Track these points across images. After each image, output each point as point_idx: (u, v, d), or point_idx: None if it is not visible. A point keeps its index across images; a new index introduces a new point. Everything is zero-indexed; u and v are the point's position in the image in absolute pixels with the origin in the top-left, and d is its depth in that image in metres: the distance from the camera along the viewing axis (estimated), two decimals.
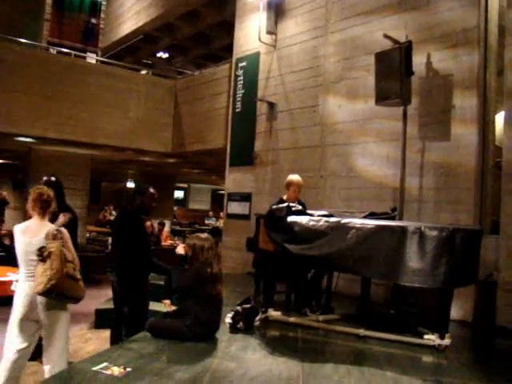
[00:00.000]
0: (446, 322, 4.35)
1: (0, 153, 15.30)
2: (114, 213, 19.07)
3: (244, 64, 9.26)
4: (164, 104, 12.04)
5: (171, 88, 12.21)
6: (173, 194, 22.87)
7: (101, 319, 6.59)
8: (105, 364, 3.32)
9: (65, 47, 12.93)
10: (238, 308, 4.60)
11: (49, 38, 13.44)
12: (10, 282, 5.27)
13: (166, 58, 18.50)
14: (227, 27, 11.91)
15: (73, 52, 12.31)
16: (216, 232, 12.28)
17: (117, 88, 11.41)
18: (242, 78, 9.29)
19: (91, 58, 13.47)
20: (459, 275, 4.10)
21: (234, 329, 4.47)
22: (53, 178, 5.45)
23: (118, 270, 4.62)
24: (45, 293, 3.76)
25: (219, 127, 10.40)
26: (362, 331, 4.54)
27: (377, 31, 6.43)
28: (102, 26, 14.63)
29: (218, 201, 25.93)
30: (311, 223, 4.59)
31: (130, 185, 24.09)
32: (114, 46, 16.71)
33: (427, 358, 4.11)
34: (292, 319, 4.94)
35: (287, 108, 8.19)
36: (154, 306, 5.12)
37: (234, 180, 9.27)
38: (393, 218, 5.40)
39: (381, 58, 5.89)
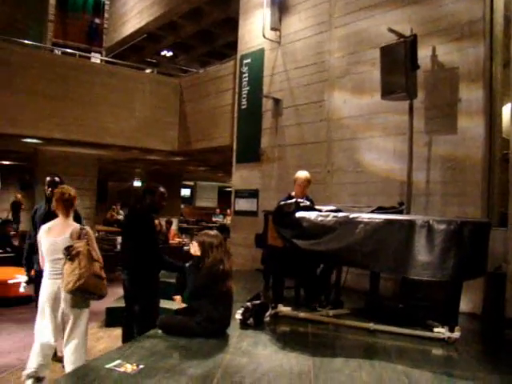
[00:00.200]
0: (455, 314, 4.35)
1: (7, 154, 15.40)
2: (121, 212, 19.18)
3: (249, 61, 9.27)
4: (169, 102, 12.07)
5: (176, 86, 12.24)
6: (179, 192, 22.93)
7: (112, 318, 6.64)
8: (118, 361, 3.35)
9: (69, 48, 12.98)
10: (248, 304, 4.62)
11: (53, 39, 13.49)
12: (19, 284, 5.33)
13: (170, 56, 18.51)
14: (231, 24, 11.92)
15: (77, 52, 12.35)
16: (223, 229, 12.31)
17: (122, 87, 11.45)
18: (246, 74, 9.30)
19: (95, 58, 13.51)
20: (468, 268, 4.10)
21: (244, 325, 4.49)
22: (56, 179, 5.52)
23: (129, 269, 4.65)
24: (74, 291, 3.98)
25: (225, 124, 10.42)
26: (371, 325, 4.56)
27: (381, 25, 6.42)
28: (105, 25, 14.69)
29: (224, 198, 26.01)
30: (319, 218, 4.60)
31: (137, 184, 24.18)
32: (118, 46, 16.73)
33: (437, 351, 4.12)
34: (302, 314, 4.96)
35: (293, 104, 8.19)
36: (164, 303, 5.16)
37: (241, 177, 9.29)
38: (400, 212, 5.40)
39: (386, 52, 5.88)
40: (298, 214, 4.72)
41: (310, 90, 7.86)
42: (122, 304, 5.10)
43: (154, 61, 18.70)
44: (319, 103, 7.67)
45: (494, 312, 5.18)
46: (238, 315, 4.55)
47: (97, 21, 14.18)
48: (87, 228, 4.32)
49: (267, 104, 8.71)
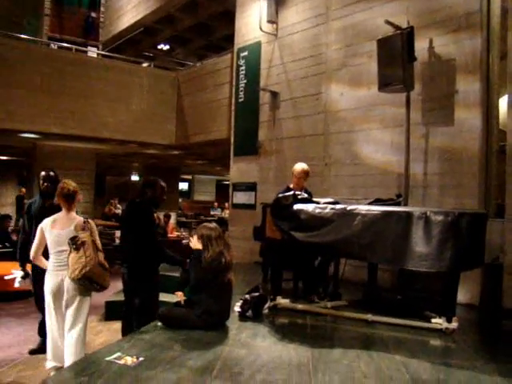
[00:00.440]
0: (452, 305, 4.38)
1: (5, 149, 15.39)
2: (119, 206, 19.15)
3: (246, 54, 9.25)
4: (167, 96, 12.06)
5: (173, 80, 12.23)
6: (177, 186, 22.94)
7: (111, 311, 6.67)
8: (118, 354, 3.37)
9: (66, 42, 12.94)
10: (247, 296, 4.65)
11: (49, 34, 13.43)
12: (14, 279, 5.36)
13: (167, 49, 18.45)
14: (228, 17, 11.88)
15: (74, 47, 12.32)
16: (222, 222, 12.32)
17: (119, 81, 11.44)
18: (243, 67, 9.28)
19: (92, 52, 13.47)
20: (465, 259, 4.12)
21: (243, 317, 4.52)
22: (51, 173, 5.53)
23: (129, 262, 4.66)
24: (80, 279, 4.08)
25: (222, 118, 10.42)
26: (370, 316, 4.59)
27: (378, 17, 6.42)
28: (101, 19, 14.62)
29: (222, 192, 25.99)
30: (317, 211, 4.62)
31: (135, 178, 24.17)
32: (114, 40, 16.65)
33: (435, 342, 4.15)
34: (300, 306, 4.99)
35: (290, 97, 8.19)
36: (164, 296, 5.18)
37: (239, 170, 9.30)
38: (398, 204, 5.42)
39: (383, 44, 5.88)
40: (296, 207, 4.74)
41: (307, 82, 7.86)
42: (121, 298, 5.12)
43: (151, 54, 18.65)
44: (316, 96, 7.67)
45: (491, 303, 5.20)
46: (237, 307, 4.58)
47: (93, 15, 14.12)
48: (90, 220, 4.43)
49: (264, 97, 8.71)
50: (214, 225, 4.45)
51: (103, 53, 14.26)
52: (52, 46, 12.64)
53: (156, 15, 14.62)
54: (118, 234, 10.83)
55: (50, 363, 4.41)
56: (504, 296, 5.13)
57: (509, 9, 5.54)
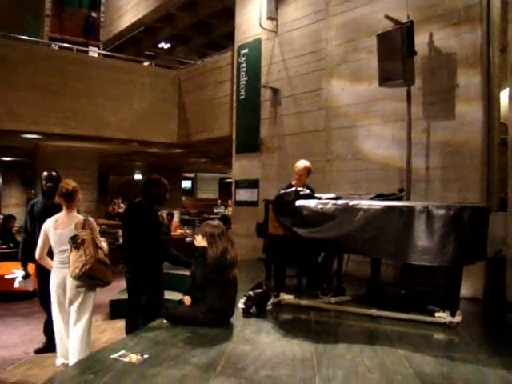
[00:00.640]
0: (456, 299, 4.38)
1: (8, 150, 15.43)
2: (122, 205, 19.20)
3: (246, 51, 9.26)
4: (168, 95, 12.06)
5: (174, 78, 12.23)
6: (180, 185, 22.96)
7: (115, 310, 6.68)
8: (122, 352, 3.39)
9: (67, 42, 12.96)
10: (251, 293, 4.67)
11: (50, 34, 13.45)
12: (14, 279, 5.40)
13: (168, 48, 18.45)
14: (228, 15, 11.86)
15: (75, 47, 12.33)
16: (225, 220, 12.33)
17: (120, 81, 11.45)
18: (244, 65, 9.29)
19: (93, 52, 13.48)
20: (468, 252, 4.12)
21: (246, 313, 4.54)
22: (53, 173, 5.56)
23: (132, 262, 4.67)
24: (81, 276, 4.15)
25: (224, 115, 10.42)
26: (373, 311, 4.60)
27: (378, 12, 6.41)
28: (102, 19, 14.63)
29: (225, 189, 26.04)
30: (319, 206, 4.63)
31: (138, 177, 24.19)
32: (115, 39, 16.67)
33: (439, 335, 4.15)
34: (304, 302, 5.00)
35: (291, 93, 8.19)
36: (168, 294, 5.19)
37: (241, 167, 9.31)
38: (400, 199, 5.42)
39: (383, 39, 5.88)
40: (298, 203, 4.75)
41: (307, 78, 7.86)
42: (125, 296, 5.12)
43: (152, 53, 18.65)
44: (317, 92, 7.67)
45: (494, 296, 5.21)
46: (241, 304, 4.60)
47: (93, 14, 14.13)
48: (90, 218, 4.46)
49: (265, 94, 8.71)
50: (217, 222, 4.47)
51: (104, 52, 14.28)
52: (53, 46, 12.66)
53: (156, 14, 14.62)
54: (121, 233, 10.85)
55: (59, 360, 4.47)
56: (507, 289, 5.14)
57: (509, 1, 5.53)
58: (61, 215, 4.50)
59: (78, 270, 4.11)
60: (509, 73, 5.48)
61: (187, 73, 12.37)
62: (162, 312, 4.27)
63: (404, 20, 5.80)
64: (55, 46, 12.51)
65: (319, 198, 4.83)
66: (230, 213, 16.43)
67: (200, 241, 4.32)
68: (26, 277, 5.41)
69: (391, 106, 6.47)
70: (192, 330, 3.99)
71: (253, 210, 8.58)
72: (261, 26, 8.63)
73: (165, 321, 4.21)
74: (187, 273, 4.59)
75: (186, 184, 30.03)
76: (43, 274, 4.97)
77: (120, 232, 11.30)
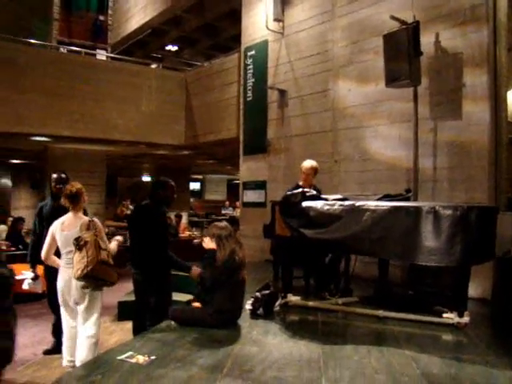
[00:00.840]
0: (464, 299, 4.36)
1: (17, 153, 15.53)
2: (131, 207, 19.25)
3: (253, 53, 9.27)
4: (175, 97, 12.11)
5: (182, 80, 12.28)
6: (188, 186, 23.01)
7: (123, 311, 6.71)
8: (130, 353, 3.41)
9: (75, 46, 13.03)
10: (258, 294, 4.67)
11: (59, 38, 13.53)
12: (23, 281, 5.46)
13: (175, 50, 18.52)
14: (235, 17, 11.89)
15: (83, 50, 12.40)
16: (233, 221, 12.34)
17: (128, 83, 11.50)
18: (251, 66, 9.30)
19: (101, 55, 13.55)
20: (475, 253, 4.10)
21: (254, 315, 4.55)
22: (63, 175, 5.62)
23: (139, 263, 4.69)
24: (83, 277, 4.22)
25: (231, 117, 10.45)
26: (381, 312, 4.59)
27: (384, 13, 6.40)
28: (109, 22, 14.69)
29: (233, 191, 26.06)
30: (326, 207, 4.63)
31: (146, 179, 24.26)
32: (123, 42, 16.76)
33: (446, 336, 4.14)
34: (311, 303, 5.00)
35: (298, 94, 8.20)
36: (176, 296, 5.21)
37: (248, 169, 9.32)
38: (407, 199, 5.40)
39: (388, 39, 5.88)
40: (305, 204, 4.75)
41: (314, 79, 7.86)
42: (133, 298, 5.14)
43: (160, 56, 18.72)
44: (324, 93, 7.67)
45: (503, 296, 5.17)
46: (248, 305, 4.59)
47: (101, 18, 14.19)
48: (95, 220, 4.54)
49: (272, 95, 8.72)
50: (224, 224, 4.48)
51: (112, 55, 14.35)
52: (61, 49, 12.75)
53: (163, 17, 14.68)
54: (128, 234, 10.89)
55: (65, 360, 4.55)
56: None
57: None
58: (67, 217, 4.58)
59: (80, 272, 4.18)
60: None
61: (194, 75, 12.41)
62: (170, 313, 4.29)
63: (410, 20, 5.79)
64: (63, 50, 12.59)
65: (326, 199, 4.83)
66: (238, 214, 16.46)
67: (208, 243, 4.33)
68: (35, 278, 5.49)
69: (398, 106, 6.46)
70: (199, 331, 4.01)
71: (260, 211, 8.59)
72: (267, 27, 8.65)
73: (172, 322, 4.23)
74: None
75: (195, 186, 30.09)
76: (51, 276, 5.02)
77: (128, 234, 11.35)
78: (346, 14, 7.30)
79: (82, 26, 13.86)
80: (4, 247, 9.93)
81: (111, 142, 12.04)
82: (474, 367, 3.34)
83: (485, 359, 3.50)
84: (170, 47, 18.16)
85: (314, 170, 6.01)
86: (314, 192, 5.14)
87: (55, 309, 5.21)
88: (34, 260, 5.47)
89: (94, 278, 4.28)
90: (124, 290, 7.02)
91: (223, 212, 23.36)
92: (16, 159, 18.45)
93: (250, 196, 9.23)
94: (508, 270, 5.14)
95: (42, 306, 7.22)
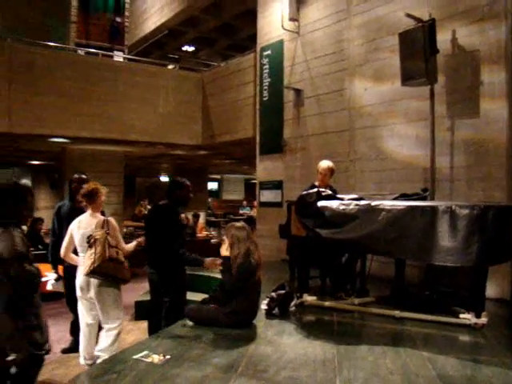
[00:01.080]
0: (481, 300, 4.31)
1: (36, 154, 15.73)
2: (148, 207, 19.39)
3: (269, 52, 9.27)
4: (192, 97, 12.16)
5: (198, 81, 12.32)
6: (206, 186, 23.09)
7: (140, 311, 6.78)
8: (145, 352, 3.44)
9: (92, 47, 13.16)
10: (273, 294, 4.67)
11: (76, 40, 13.67)
12: (46, 281, 5.57)
13: (192, 51, 18.61)
14: (251, 16, 11.89)
15: (100, 52, 12.51)
16: (251, 221, 12.36)
17: (145, 84, 11.57)
18: (267, 66, 9.30)
19: (118, 57, 13.66)
20: (493, 253, 4.04)
21: (269, 315, 4.55)
22: (84, 176, 5.70)
23: (155, 263, 4.73)
24: (89, 274, 4.43)
25: (247, 117, 10.46)
26: (397, 313, 4.55)
27: (400, 10, 6.35)
28: (126, 23, 14.80)
29: (251, 190, 26.10)
30: (341, 207, 4.61)
31: (164, 179, 24.40)
32: (140, 43, 16.90)
33: (464, 337, 4.10)
34: (327, 303, 4.98)
35: (314, 94, 8.17)
36: (192, 296, 5.24)
37: (265, 168, 9.33)
38: (424, 199, 5.36)
39: (404, 37, 5.82)
40: (320, 204, 4.73)
41: (330, 79, 7.83)
42: (149, 297, 5.20)
43: (177, 56, 18.83)
44: (340, 92, 7.64)
45: None
46: (264, 305, 4.60)
47: (118, 19, 14.29)
48: (110, 219, 4.73)
49: (288, 95, 8.71)
50: (241, 223, 4.49)
51: (129, 56, 14.46)
52: (79, 51, 12.88)
53: (180, 17, 14.78)
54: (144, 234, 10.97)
55: (82, 359, 4.70)
56: None
57: None
58: (84, 216, 4.76)
59: (87, 268, 4.37)
60: None
61: (211, 75, 12.45)
62: (185, 312, 4.31)
63: (426, 18, 5.74)
64: (81, 52, 12.72)
65: (341, 199, 4.81)
66: (255, 214, 16.49)
67: (224, 251, 4.34)
68: (58, 279, 5.61)
69: (414, 104, 6.40)
70: (214, 330, 4.02)
71: (277, 211, 8.58)
72: (283, 27, 8.63)
73: (188, 321, 4.25)
74: (212, 274, 4.63)
75: (213, 185, 30.21)
76: (70, 276, 5.09)
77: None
78: (361, 12, 7.26)
79: (99, 27, 13.98)
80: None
81: (129, 143, 12.13)
82: (491, 369, 3.29)
83: (502, 360, 3.45)
84: (186, 48, 18.26)
85: (331, 171, 6.00)
86: (330, 192, 5.13)
87: (73, 308, 5.29)
88: (55, 260, 5.56)
89: (102, 275, 4.46)
90: (142, 290, 7.08)
91: (241, 212, 23.43)
92: (35, 160, 18.69)
93: (267, 196, 9.23)
94: None
95: (60, 305, 7.30)
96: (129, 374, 3.05)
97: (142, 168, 22.48)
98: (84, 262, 4.50)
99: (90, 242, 4.48)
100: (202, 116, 12.18)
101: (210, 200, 25.40)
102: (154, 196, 20.24)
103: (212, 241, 12.92)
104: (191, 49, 18.40)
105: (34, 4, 14.41)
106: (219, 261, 4.43)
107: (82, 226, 4.69)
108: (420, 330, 4.21)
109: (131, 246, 4.96)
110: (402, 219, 4.25)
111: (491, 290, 4.88)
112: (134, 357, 3.36)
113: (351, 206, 4.57)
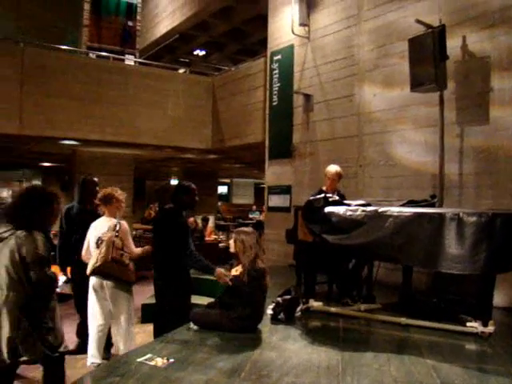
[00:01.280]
0: (488, 308, 4.28)
1: (46, 156, 15.82)
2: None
3: (279, 57, 9.28)
4: (202, 101, 12.18)
5: (209, 85, 12.35)
6: (216, 190, 23.12)
7: (147, 314, 6.80)
8: (149, 355, 3.44)
9: (104, 51, 13.24)
10: (279, 299, 4.66)
11: (88, 43, 13.77)
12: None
13: (203, 55, 18.67)
14: (262, 21, 11.92)
15: (111, 55, 12.58)
16: (259, 225, 12.36)
17: (155, 88, 11.61)
18: (277, 71, 9.31)
19: (129, 60, 13.73)
20: (500, 261, 4.00)
21: (275, 320, 4.53)
22: (95, 179, 5.74)
23: (160, 266, 4.74)
24: (91, 274, 4.62)
25: (257, 121, 10.46)
26: (403, 320, 4.52)
27: (410, 16, 6.33)
28: (138, 27, 14.88)
29: (260, 194, 26.08)
30: (348, 213, 4.60)
31: (174, 182, 24.45)
32: (151, 47, 16.98)
33: (470, 346, 4.06)
34: (333, 309, 4.96)
35: (323, 99, 8.17)
36: (196, 299, 5.24)
37: (274, 173, 9.32)
38: (432, 205, 5.32)
39: (414, 43, 5.81)
40: (327, 209, 4.73)
41: (340, 84, 7.82)
42: None
43: (187, 60, 18.90)
44: (349, 97, 7.63)
45: None
46: (269, 310, 4.59)
47: (130, 23, 14.36)
48: (122, 222, 4.86)
49: (298, 100, 8.71)
50: (250, 229, 4.50)
51: (140, 60, 14.53)
52: (91, 55, 12.96)
53: (191, 22, 14.83)
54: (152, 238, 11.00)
55: (90, 360, 4.77)
56: None
57: None
58: (100, 220, 4.91)
59: (90, 267, 4.54)
60: None
61: (221, 79, 12.47)
62: (190, 316, 4.30)
63: (436, 24, 5.72)
64: (93, 55, 12.80)
65: (348, 205, 4.80)
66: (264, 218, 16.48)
67: (237, 269, 4.36)
68: (68, 281, 5.66)
69: (424, 111, 6.37)
70: (219, 334, 4.02)
71: (285, 215, 8.56)
72: (293, 32, 8.64)
73: (192, 325, 4.25)
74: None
75: (222, 189, 30.23)
76: (78, 277, 5.14)
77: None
78: (371, 18, 7.25)
79: (111, 31, 14.06)
80: None
81: (138, 146, 12.17)
82: (498, 378, 3.26)
83: (508, 370, 3.42)
84: (197, 52, 18.32)
85: (339, 176, 6.00)
86: (337, 197, 5.12)
87: (81, 310, 5.32)
88: (63, 262, 5.60)
89: (105, 275, 4.60)
90: (149, 292, 7.07)
91: (250, 216, 23.43)
92: (46, 162, 18.81)
93: (275, 200, 9.22)
94: None
95: (67, 306, 7.33)
96: (132, 378, 3.06)
97: (152, 171, 22.57)
98: (89, 262, 4.67)
99: (98, 243, 4.67)
100: (212, 120, 12.20)
101: (219, 204, 25.43)
102: (163, 199, 20.29)
103: (220, 244, 12.93)
104: (202, 53, 18.46)
105: (48, 7, 14.52)
106: (229, 278, 4.37)
107: (97, 229, 4.84)
108: (426, 338, 4.18)
109: (138, 250, 5.02)
110: (409, 226, 4.23)
111: (499, 299, 4.84)
112: (138, 360, 3.37)
113: (358, 212, 4.56)
